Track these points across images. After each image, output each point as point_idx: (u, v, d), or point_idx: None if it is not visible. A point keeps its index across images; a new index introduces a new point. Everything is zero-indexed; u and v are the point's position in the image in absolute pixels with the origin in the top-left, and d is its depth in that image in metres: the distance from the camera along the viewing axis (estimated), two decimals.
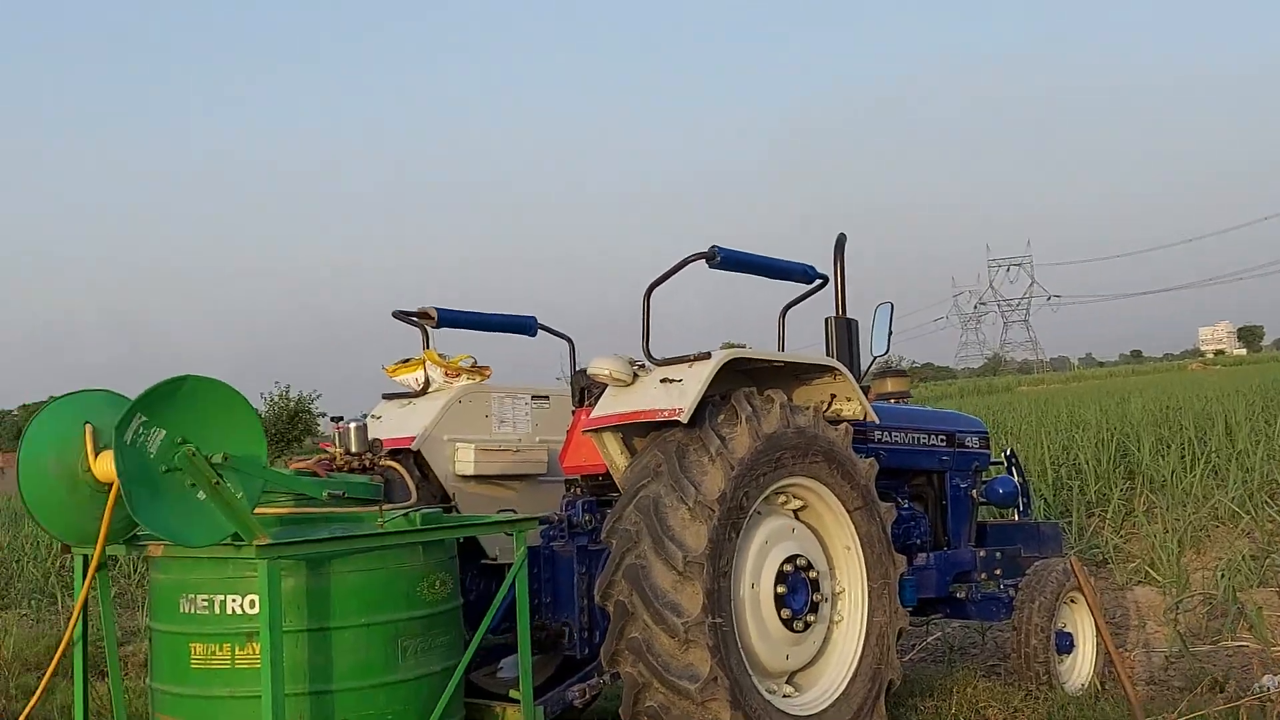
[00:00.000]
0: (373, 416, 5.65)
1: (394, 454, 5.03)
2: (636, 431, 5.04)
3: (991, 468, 7.71)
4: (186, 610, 4.05)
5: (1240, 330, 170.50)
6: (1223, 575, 9.33)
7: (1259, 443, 15.58)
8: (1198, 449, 15.76)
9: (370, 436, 4.83)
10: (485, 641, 4.84)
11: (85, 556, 4.36)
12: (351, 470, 4.65)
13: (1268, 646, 7.78)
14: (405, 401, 5.70)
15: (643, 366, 5.02)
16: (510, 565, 4.60)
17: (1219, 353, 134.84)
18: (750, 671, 4.81)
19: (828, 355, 5.95)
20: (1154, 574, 9.94)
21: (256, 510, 3.92)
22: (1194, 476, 13.61)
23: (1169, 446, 16.16)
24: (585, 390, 5.62)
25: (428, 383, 5.68)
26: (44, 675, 4.56)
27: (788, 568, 5.06)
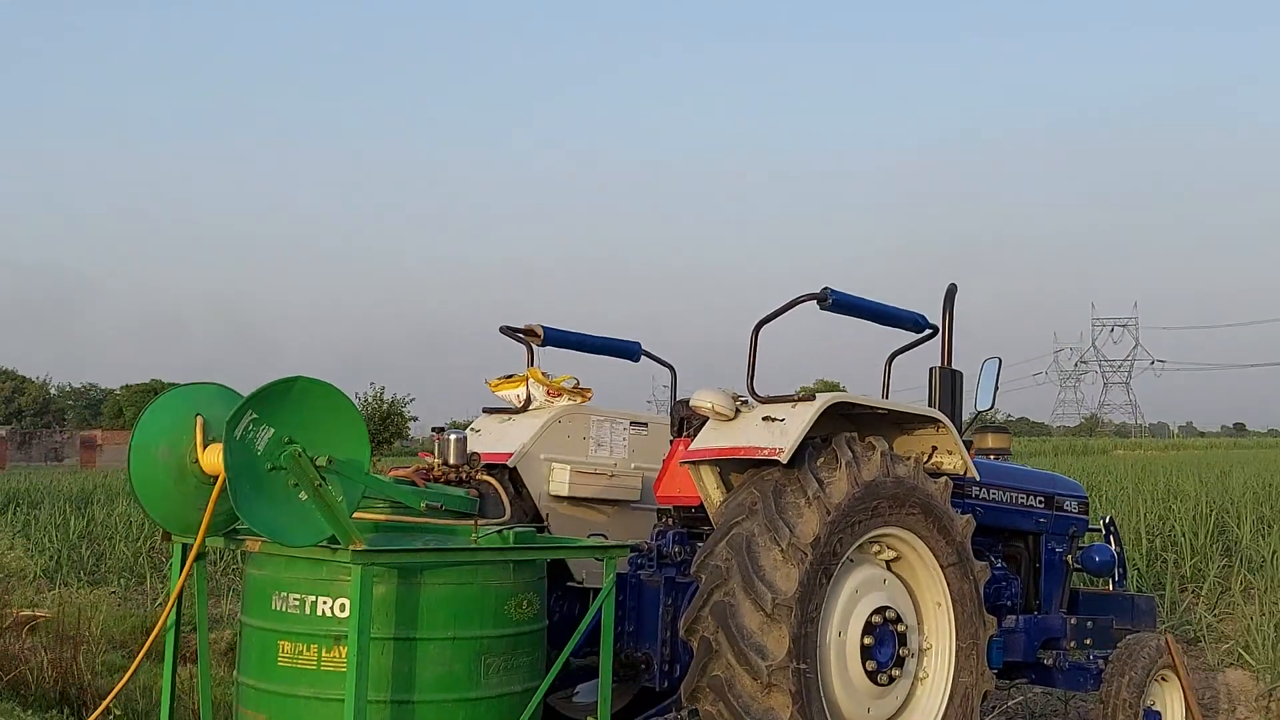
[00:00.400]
0: (472, 429, 5.68)
1: (490, 469, 5.06)
2: (734, 467, 5.01)
3: (1089, 534, 7.54)
4: (278, 608, 4.10)
5: None
6: None
7: None
8: None
9: (469, 450, 4.86)
10: (566, 665, 4.84)
11: (184, 545, 4.44)
12: (449, 482, 4.69)
13: None
14: (505, 417, 5.73)
15: (745, 402, 4.99)
16: (596, 590, 4.59)
17: None
18: None
19: (930, 406, 5.86)
20: (1247, 657, 9.62)
21: (354, 515, 3.96)
22: None
23: (1270, 527, 15.69)
24: (685, 421, 5.60)
25: (529, 400, 5.71)
26: (133, 656, 4.64)
27: (876, 619, 4.98)
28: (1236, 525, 15.72)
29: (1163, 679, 6.52)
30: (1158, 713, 6.51)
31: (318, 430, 3.86)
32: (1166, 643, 6.16)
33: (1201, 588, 12.37)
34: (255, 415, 3.74)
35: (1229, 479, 25.27)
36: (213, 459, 4.07)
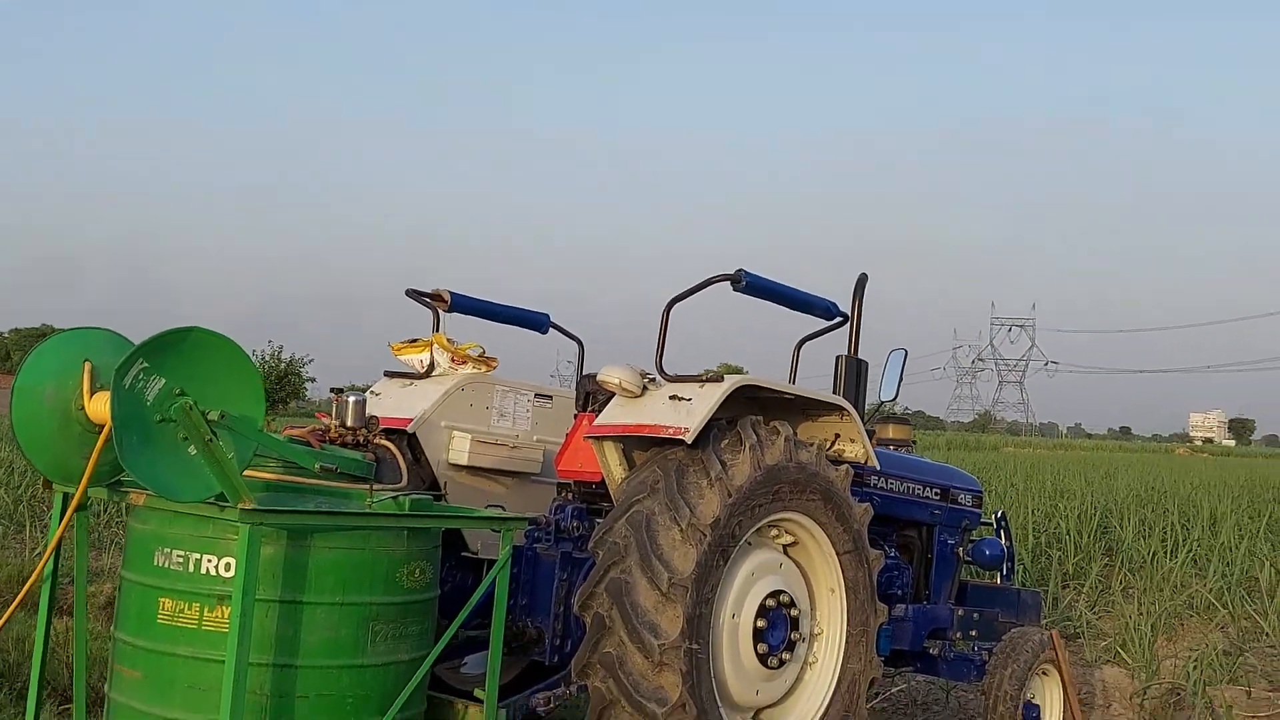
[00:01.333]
0: (372, 393, 5.56)
1: (389, 433, 4.96)
2: (638, 445, 4.97)
3: (981, 528, 7.66)
4: (160, 564, 3.96)
5: (1231, 421, 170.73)
6: (1194, 666, 9.26)
7: (1243, 539, 15.55)
8: (1180, 535, 15.73)
9: (368, 413, 4.75)
10: (456, 636, 4.77)
11: (66, 494, 4.28)
12: (345, 445, 4.58)
13: None
14: (407, 382, 5.63)
15: (653, 380, 4.96)
16: (491, 561, 4.53)
17: (1208, 440, 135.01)
18: (719, 702, 4.73)
19: (835, 393, 5.88)
20: (1124, 655, 9.87)
21: (245, 473, 3.84)
22: (1174, 563, 13.56)
23: (1152, 529, 16.13)
24: (591, 396, 5.55)
25: (432, 366, 5.61)
26: (6, 606, 4.47)
27: (770, 602, 4.99)
28: (1119, 526, 16.14)
29: (1044, 673, 6.65)
30: (1037, 706, 6.63)
31: (211, 384, 3.73)
32: (1050, 638, 6.27)
33: (1083, 585, 12.67)
34: (146, 364, 3.60)
35: (1114, 480, 25.98)
36: (99, 407, 3.91)
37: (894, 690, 8.87)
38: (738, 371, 5.68)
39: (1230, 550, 14.62)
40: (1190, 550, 14.62)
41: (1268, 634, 10.84)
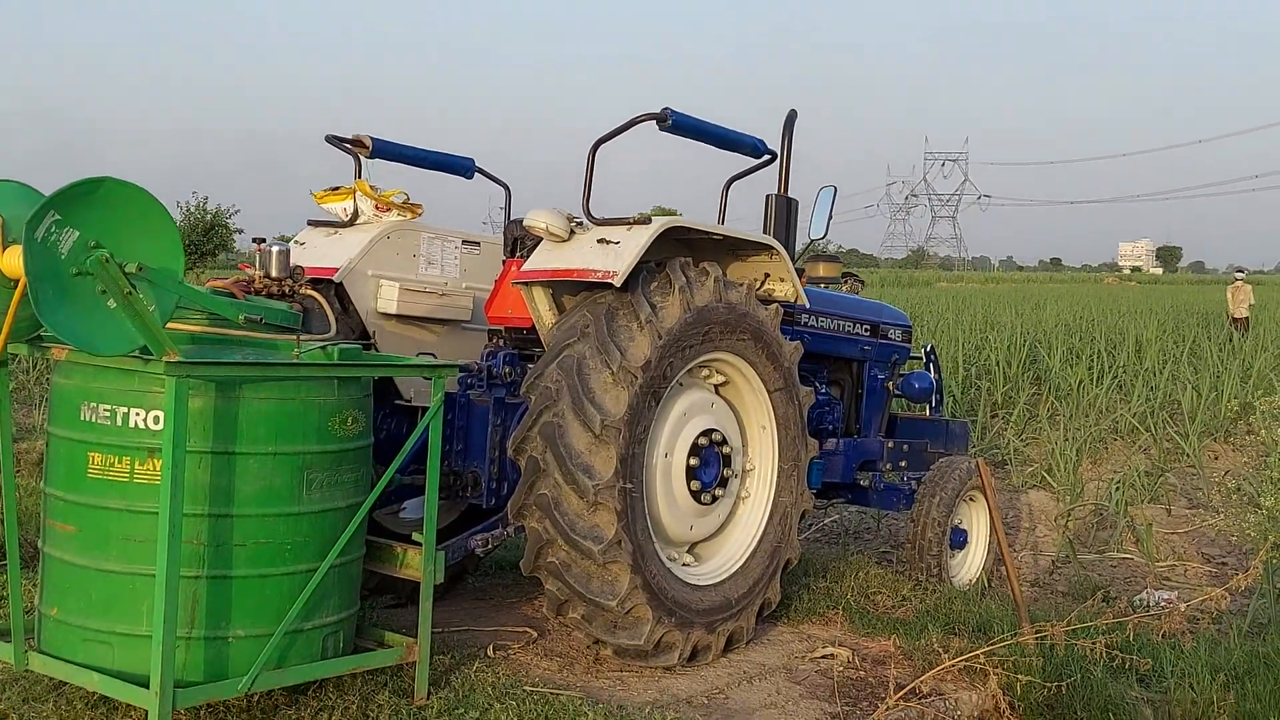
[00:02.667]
0: (296, 242, 5.47)
1: (315, 283, 4.89)
2: (567, 289, 4.96)
3: (911, 362, 7.79)
4: (87, 418, 3.92)
5: (1159, 250, 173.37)
6: (1116, 488, 9.60)
7: (1166, 363, 15.97)
8: (1106, 362, 16.11)
9: (292, 263, 4.67)
10: (393, 482, 4.81)
11: None
12: (270, 295, 4.50)
13: (1152, 562, 8.04)
14: (331, 231, 5.53)
15: (580, 224, 4.91)
16: (425, 409, 4.53)
17: (1136, 269, 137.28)
18: (654, 538, 4.84)
19: (765, 233, 5.88)
20: (1050, 480, 10.20)
21: (169, 326, 3.78)
22: (1100, 389, 13.92)
23: (1079, 357, 16.51)
24: (519, 241, 5.50)
25: (356, 214, 5.50)
26: None
27: (703, 441, 5.07)
28: (1048, 355, 16.48)
29: (971, 499, 6.86)
30: (964, 531, 6.86)
31: (127, 235, 3.63)
32: (976, 465, 6.44)
33: (1012, 414, 12.99)
34: (58, 216, 3.49)
35: (1043, 312, 26.45)
36: (12, 261, 3.80)
37: (827, 521, 9.13)
38: (673, 215, 5.64)
39: (1154, 375, 15.02)
40: (1115, 377, 15.00)
41: (1188, 454, 11.24)
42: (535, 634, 5.27)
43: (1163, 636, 4.75)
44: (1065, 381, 14.71)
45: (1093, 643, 4.37)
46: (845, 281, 7.92)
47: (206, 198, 43.44)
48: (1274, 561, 6.00)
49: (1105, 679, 4.89)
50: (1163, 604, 6.50)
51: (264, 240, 4.62)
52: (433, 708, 4.23)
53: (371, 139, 5.60)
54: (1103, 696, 4.79)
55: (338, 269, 5.24)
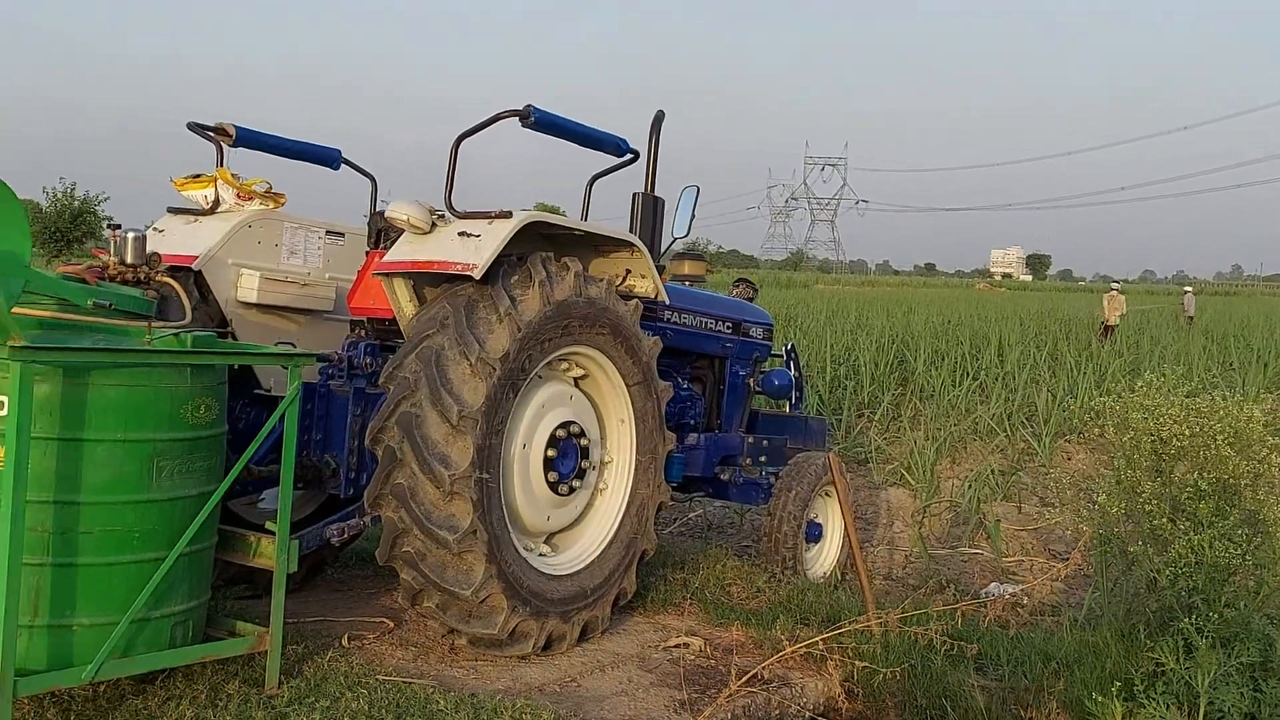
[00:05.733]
0: (154, 229, 5.41)
1: (174, 271, 4.86)
2: (428, 281, 5.00)
3: (773, 360, 7.97)
4: None
5: (1029, 257, 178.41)
6: (970, 486, 9.94)
7: (1026, 366, 16.50)
8: (969, 365, 16.60)
9: (149, 250, 4.63)
10: (251, 472, 4.80)
11: None
12: (125, 282, 4.45)
13: (1000, 557, 8.36)
14: (191, 218, 5.48)
15: (443, 216, 4.96)
16: (282, 398, 4.54)
17: (1007, 275, 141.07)
18: (510, 528, 4.91)
19: (631, 231, 5.98)
20: (909, 477, 10.50)
21: (15, 310, 3.73)
22: (960, 390, 14.34)
23: (944, 359, 16.96)
24: (382, 233, 5.53)
25: (218, 202, 5.47)
26: None
27: (561, 433, 5.15)
28: (914, 358, 16.90)
29: (826, 494, 7.05)
30: (820, 524, 7.05)
31: None
32: (830, 461, 6.63)
33: (875, 414, 13.32)
34: None
35: (913, 315, 27.06)
36: None
37: (692, 515, 9.29)
38: (555, 212, 5.71)
39: (1014, 377, 15.52)
40: (977, 379, 15.46)
41: (1039, 455, 11.66)
42: (391, 624, 5.30)
43: (988, 623, 4.97)
44: (929, 383, 15.11)
45: (924, 629, 4.56)
46: (736, 287, 8.08)
47: (74, 184, 42.25)
48: (1108, 555, 6.29)
49: (945, 666, 5.10)
50: (1006, 596, 6.78)
51: (120, 226, 4.57)
52: (283, 697, 4.24)
53: (235, 127, 5.57)
54: (940, 683, 4.99)
55: (197, 257, 5.21)
